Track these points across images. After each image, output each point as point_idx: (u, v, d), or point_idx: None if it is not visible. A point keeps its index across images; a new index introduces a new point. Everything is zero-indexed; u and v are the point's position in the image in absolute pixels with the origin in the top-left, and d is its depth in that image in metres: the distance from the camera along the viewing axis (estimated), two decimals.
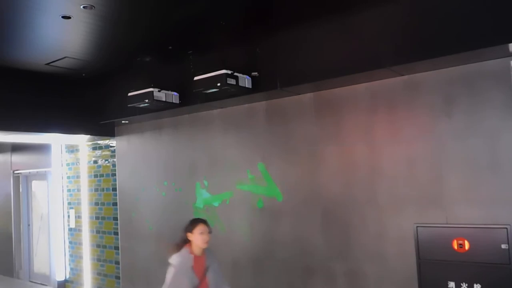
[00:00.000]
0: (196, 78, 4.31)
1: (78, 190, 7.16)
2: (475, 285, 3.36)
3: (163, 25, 4.14)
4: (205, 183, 5.34)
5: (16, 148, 8.91)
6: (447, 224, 3.52)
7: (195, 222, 3.63)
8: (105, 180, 6.69)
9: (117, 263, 6.46)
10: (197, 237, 3.51)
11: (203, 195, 5.35)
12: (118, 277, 6.45)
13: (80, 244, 7.10)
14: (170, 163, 5.74)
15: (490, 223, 3.33)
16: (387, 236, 3.85)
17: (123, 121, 6.08)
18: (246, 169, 4.92)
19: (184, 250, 3.53)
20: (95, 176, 6.86)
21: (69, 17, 3.68)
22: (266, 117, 4.78)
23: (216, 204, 5.21)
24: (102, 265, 6.73)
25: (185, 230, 3.60)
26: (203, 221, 3.62)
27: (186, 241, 3.57)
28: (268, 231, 4.71)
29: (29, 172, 8.87)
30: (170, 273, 3.46)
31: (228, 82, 4.10)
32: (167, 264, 3.60)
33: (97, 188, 6.82)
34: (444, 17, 3.24)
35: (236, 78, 4.18)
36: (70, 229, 7.34)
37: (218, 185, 5.20)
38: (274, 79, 4.24)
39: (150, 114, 5.48)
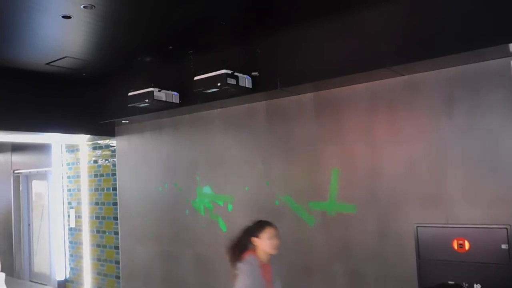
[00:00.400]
0: (196, 78, 4.31)
1: (78, 189, 7.16)
2: (475, 285, 3.36)
3: (163, 25, 4.14)
4: (205, 182, 5.34)
5: (16, 148, 8.91)
6: (447, 224, 3.52)
7: (262, 225, 3.14)
8: (105, 180, 6.69)
9: (117, 262, 6.46)
10: (266, 243, 3.06)
11: (203, 195, 5.35)
12: (118, 277, 6.45)
13: (80, 243, 7.10)
14: (170, 163, 5.74)
15: (490, 223, 3.33)
16: (387, 236, 3.85)
17: (123, 121, 6.08)
18: (246, 168, 4.93)
19: (251, 257, 3.05)
20: (95, 175, 6.87)
21: (69, 17, 3.68)
22: (266, 117, 4.78)
23: (216, 203, 5.21)
24: (102, 265, 6.73)
25: (248, 234, 3.12)
26: (271, 224, 3.16)
27: (248, 247, 3.10)
28: None
29: (29, 172, 8.87)
30: (243, 285, 2.96)
31: (228, 82, 4.10)
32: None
33: (97, 188, 6.82)
34: (444, 17, 3.24)
35: (236, 78, 4.18)
36: (70, 229, 7.34)
37: (219, 185, 5.20)
38: (274, 79, 4.24)
39: (150, 114, 5.48)
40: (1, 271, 5.94)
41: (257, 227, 3.13)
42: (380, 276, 3.88)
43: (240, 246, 3.12)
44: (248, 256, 3.05)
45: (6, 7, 3.45)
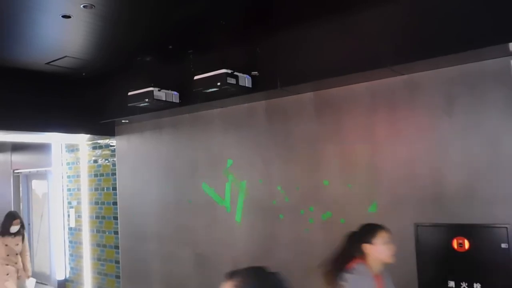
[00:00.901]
0: (196, 77, 4.31)
1: (78, 189, 7.16)
2: (475, 285, 3.37)
3: (163, 25, 4.13)
4: (205, 182, 5.34)
5: (16, 147, 8.91)
6: (447, 223, 3.52)
7: (374, 229, 2.70)
8: (105, 180, 6.69)
9: (117, 262, 6.46)
10: (381, 249, 2.63)
11: (203, 194, 5.35)
12: (118, 277, 6.46)
13: (80, 243, 7.10)
14: (170, 163, 5.75)
15: (490, 223, 3.33)
16: None
17: (123, 121, 6.08)
18: (246, 167, 4.93)
19: (361, 267, 2.59)
20: (95, 175, 6.87)
21: (69, 17, 3.68)
22: (266, 116, 4.78)
23: (216, 203, 5.21)
24: (102, 265, 6.74)
25: (357, 240, 2.69)
26: (384, 228, 2.72)
27: (354, 255, 2.66)
28: (269, 230, 4.71)
29: (29, 172, 8.87)
30: None
31: (228, 81, 4.10)
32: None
33: (97, 188, 6.82)
34: (444, 17, 3.25)
35: (236, 77, 4.18)
36: (70, 229, 7.34)
37: (218, 184, 5.20)
38: (274, 78, 4.24)
39: (150, 113, 5.49)
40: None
41: (368, 231, 2.70)
42: None
43: (345, 254, 2.69)
44: (357, 265, 2.59)
45: (6, 6, 3.45)
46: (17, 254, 5.80)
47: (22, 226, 5.92)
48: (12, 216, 5.87)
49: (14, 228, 5.75)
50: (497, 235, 3.29)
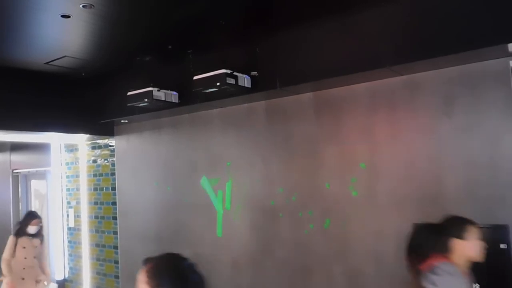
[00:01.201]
0: (195, 77, 4.31)
1: (77, 189, 7.15)
2: (473, 285, 3.35)
3: (163, 25, 4.13)
4: (205, 182, 5.33)
5: (15, 147, 8.90)
6: None
7: (466, 223, 2.44)
8: (104, 180, 6.68)
9: (116, 262, 6.45)
10: (473, 245, 2.40)
11: (203, 194, 5.35)
12: (117, 277, 6.45)
13: (79, 243, 7.09)
14: (170, 163, 5.74)
15: (489, 223, 3.33)
16: (387, 236, 3.85)
17: (122, 121, 6.07)
18: (245, 168, 4.93)
19: (449, 266, 2.29)
20: (95, 175, 6.86)
21: (68, 16, 3.67)
22: (265, 116, 4.78)
23: (215, 203, 5.21)
24: (101, 265, 6.73)
25: (447, 234, 2.41)
26: (474, 222, 2.47)
27: (434, 250, 2.38)
28: (268, 231, 4.71)
29: (28, 172, 8.85)
30: None
31: (227, 81, 4.10)
32: None
33: (97, 188, 6.81)
34: (444, 17, 3.25)
35: (236, 77, 4.18)
36: (69, 229, 7.33)
37: (218, 184, 5.20)
38: (274, 78, 4.24)
39: (150, 113, 5.48)
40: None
41: (459, 225, 2.43)
42: (380, 276, 3.88)
43: (423, 249, 2.41)
44: (442, 264, 2.28)
45: (5, 6, 3.45)
46: (35, 257, 5.56)
47: (42, 227, 5.64)
48: (31, 216, 5.62)
49: (32, 229, 5.50)
50: (496, 235, 3.29)
